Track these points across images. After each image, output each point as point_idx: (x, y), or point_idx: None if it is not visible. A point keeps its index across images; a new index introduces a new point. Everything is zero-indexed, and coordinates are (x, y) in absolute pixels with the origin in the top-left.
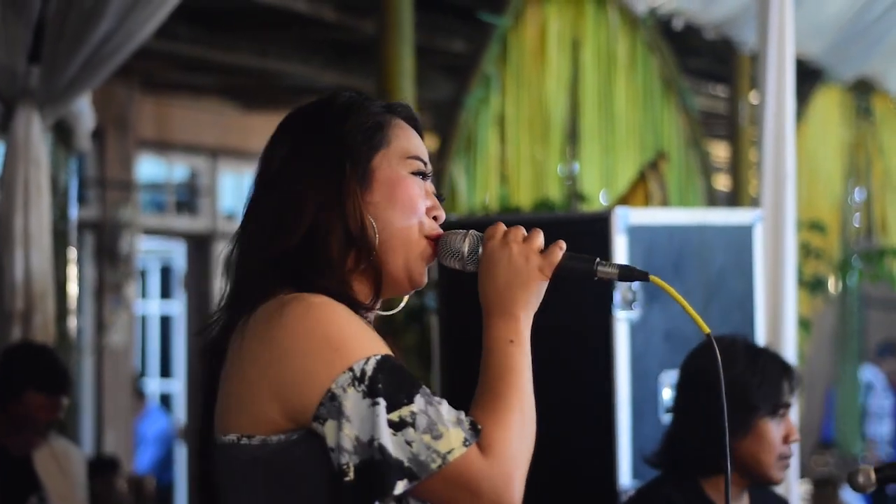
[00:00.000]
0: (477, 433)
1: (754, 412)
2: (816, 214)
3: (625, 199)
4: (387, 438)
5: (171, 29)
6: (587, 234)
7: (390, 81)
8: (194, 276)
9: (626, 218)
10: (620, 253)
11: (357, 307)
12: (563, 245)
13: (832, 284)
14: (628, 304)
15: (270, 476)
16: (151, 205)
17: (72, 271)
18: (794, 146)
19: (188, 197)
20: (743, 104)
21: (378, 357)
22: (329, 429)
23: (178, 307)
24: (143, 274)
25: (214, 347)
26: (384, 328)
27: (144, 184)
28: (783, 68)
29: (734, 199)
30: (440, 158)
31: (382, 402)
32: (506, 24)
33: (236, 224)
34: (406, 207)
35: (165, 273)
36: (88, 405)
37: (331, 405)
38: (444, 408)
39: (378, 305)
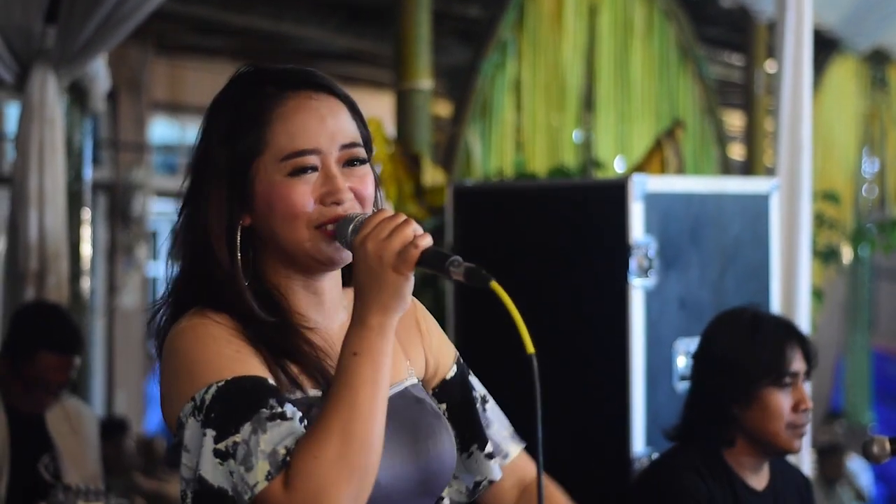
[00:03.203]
0: (283, 465)
1: (756, 382)
2: (830, 184)
3: (641, 167)
4: (206, 468)
5: None
6: (604, 200)
7: (406, 47)
8: None
9: (643, 185)
10: (637, 220)
11: (248, 314)
12: (423, 242)
13: (845, 255)
14: (644, 272)
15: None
16: (164, 167)
17: (85, 232)
18: (810, 116)
19: None
20: (759, 73)
21: (220, 384)
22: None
23: None
24: (154, 236)
25: (162, 337)
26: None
27: (157, 146)
28: (801, 38)
29: (748, 168)
30: (455, 124)
31: (210, 433)
32: None
33: None
34: (286, 215)
35: None
36: (99, 366)
37: (179, 432)
38: (270, 435)
39: (323, 270)
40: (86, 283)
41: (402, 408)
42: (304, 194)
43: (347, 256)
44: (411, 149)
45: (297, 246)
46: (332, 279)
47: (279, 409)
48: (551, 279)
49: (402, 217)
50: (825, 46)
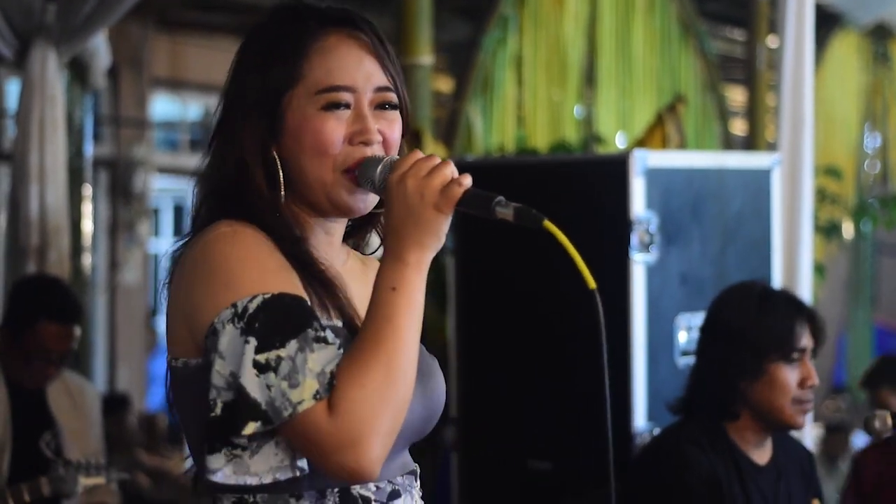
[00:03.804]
0: (330, 387)
1: (765, 356)
2: (832, 159)
3: (642, 142)
4: (247, 378)
5: None
6: (605, 175)
7: (407, 22)
8: None
9: (644, 160)
10: (638, 195)
11: (286, 235)
12: (466, 181)
13: (846, 230)
14: (645, 247)
15: (188, 399)
16: (165, 143)
17: (86, 208)
18: (812, 91)
19: (202, 136)
20: (760, 48)
21: (266, 296)
22: (211, 363)
23: None
24: (156, 212)
25: (171, 276)
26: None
27: (158, 122)
28: (803, 12)
29: (750, 143)
30: (457, 99)
31: (253, 342)
32: None
33: None
34: (314, 150)
35: (178, 212)
36: (101, 343)
37: (212, 339)
38: (319, 355)
39: (340, 217)
40: (87, 260)
41: None
42: (335, 130)
43: (364, 206)
44: (412, 124)
45: (319, 185)
46: (343, 224)
47: (322, 333)
48: (552, 255)
49: (439, 158)
50: (827, 21)
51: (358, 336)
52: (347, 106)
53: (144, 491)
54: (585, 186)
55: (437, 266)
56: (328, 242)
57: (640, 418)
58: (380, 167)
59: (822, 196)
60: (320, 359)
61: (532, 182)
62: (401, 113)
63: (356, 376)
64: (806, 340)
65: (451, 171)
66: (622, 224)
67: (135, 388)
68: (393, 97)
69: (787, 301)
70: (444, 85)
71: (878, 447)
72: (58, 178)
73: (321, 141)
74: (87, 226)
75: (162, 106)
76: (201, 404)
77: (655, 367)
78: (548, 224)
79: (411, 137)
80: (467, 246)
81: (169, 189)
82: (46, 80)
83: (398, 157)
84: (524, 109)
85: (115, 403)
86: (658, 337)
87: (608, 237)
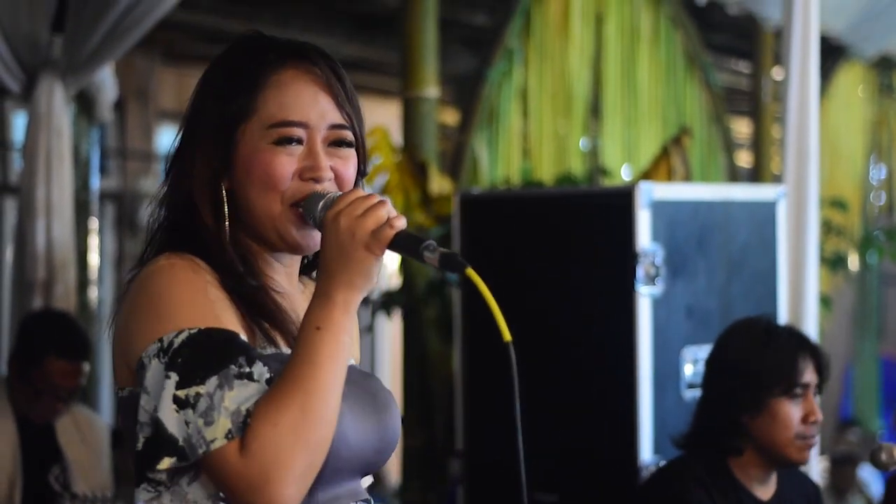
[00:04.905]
0: (244, 426)
1: (766, 391)
2: (838, 191)
3: (648, 175)
4: (166, 413)
5: (193, 0)
6: (611, 208)
7: (413, 54)
8: None
9: (650, 193)
10: (644, 227)
11: (229, 269)
12: (398, 223)
13: (852, 262)
14: (651, 280)
15: (129, 427)
16: None
17: (93, 241)
18: (817, 123)
19: None
20: (766, 80)
21: (193, 331)
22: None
23: None
24: None
25: (116, 306)
26: (404, 302)
27: (165, 155)
28: (807, 44)
29: (756, 175)
30: (462, 132)
31: (174, 377)
32: None
33: None
34: (263, 183)
35: None
36: (108, 375)
37: (140, 373)
38: (237, 393)
39: (290, 253)
40: (93, 293)
41: (362, 379)
42: (285, 164)
43: (314, 244)
44: (418, 157)
45: (268, 219)
46: (297, 257)
47: (247, 369)
48: (558, 287)
49: (377, 197)
50: (832, 53)
51: (280, 374)
52: (300, 141)
53: None
54: (591, 219)
55: (443, 299)
56: (285, 273)
57: (645, 451)
58: (321, 202)
59: (827, 228)
60: (238, 397)
61: (538, 214)
62: (357, 151)
63: (270, 415)
64: (809, 376)
65: (386, 211)
66: (628, 256)
67: None
68: (348, 135)
69: (791, 336)
70: (450, 117)
71: None
72: (64, 211)
73: (270, 175)
74: (94, 259)
75: (168, 138)
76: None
77: (661, 399)
78: (470, 272)
79: (416, 169)
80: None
81: None
82: (53, 113)
83: (340, 193)
84: (530, 142)
85: (122, 436)
86: (664, 369)
87: (614, 269)
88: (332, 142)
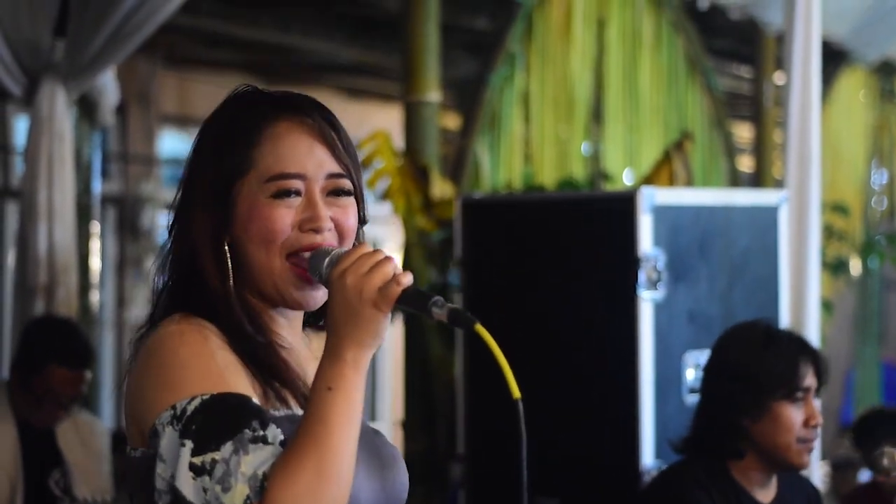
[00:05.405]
0: (262, 490)
1: (768, 395)
2: (839, 196)
3: (649, 179)
4: (183, 481)
5: (194, 4)
6: (613, 212)
7: (414, 59)
8: None
9: (651, 197)
10: (646, 232)
11: (236, 330)
12: (405, 280)
13: (854, 267)
14: (652, 285)
15: (139, 487)
16: (173, 180)
17: (94, 245)
18: (819, 128)
19: None
20: (767, 85)
21: (206, 397)
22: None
23: None
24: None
25: (129, 367)
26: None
27: (166, 158)
28: (809, 49)
29: (757, 180)
30: (464, 136)
31: (189, 445)
32: (531, 2)
33: None
34: (262, 238)
35: None
36: (109, 380)
37: (154, 440)
38: (253, 458)
39: (293, 310)
40: (95, 297)
41: (369, 436)
42: (283, 217)
43: (314, 303)
44: (420, 161)
45: (267, 276)
46: (300, 312)
47: (261, 433)
48: (560, 292)
49: (383, 254)
50: (834, 58)
51: (293, 436)
52: (298, 193)
53: None
54: (593, 223)
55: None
56: (289, 327)
57: (647, 456)
58: (327, 259)
59: (829, 233)
60: (254, 461)
61: (539, 219)
62: (356, 199)
63: (287, 479)
64: (810, 380)
65: (392, 268)
66: (630, 261)
67: None
68: (346, 183)
69: (791, 340)
70: (452, 122)
71: (868, 489)
72: (66, 215)
73: (269, 229)
74: (95, 263)
75: (170, 142)
76: (148, 493)
77: (663, 404)
78: (479, 328)
79: (418, 174)
80: (476, 285)
81: None
82: (55, 117)
83: (346, 249)
84: (531, 146)
85: (123, 440)
86: (666, 374)
87: (615, 274)
88: (331, 191)
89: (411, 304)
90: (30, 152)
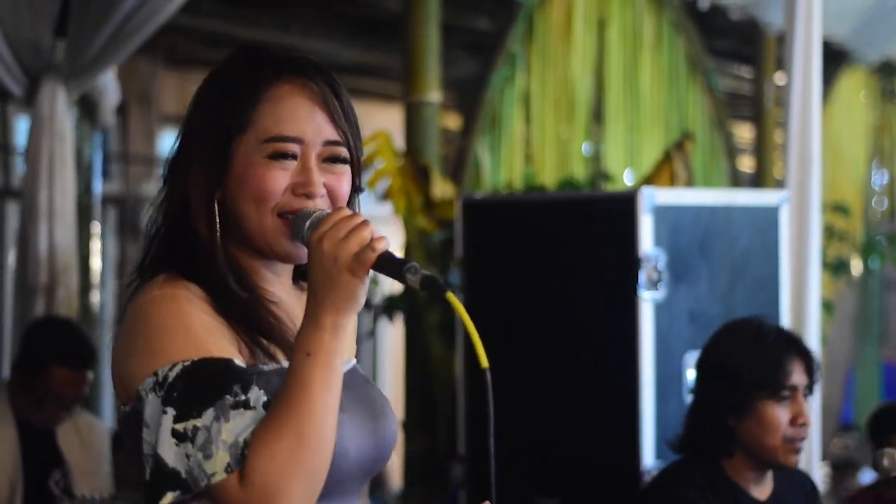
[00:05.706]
0: (242, 457)
1: (753, 394)
2: (840, 196)
3: (650, 180)
4: (165, 448)
5: (194, 4)
6: (613, 213)
7: (415, 59)
8: None
9: (652, 198)
10: (646, 232)
11: (220, 287)
12: (380, 245)
13: (855, 267)
14: (653, 285)
15: (132, 442)
16: None
17: (95, 246)
18: (819, 128)
19: None
20: (768, 85)
21: (187, 363)
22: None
23: None
24: None
25: (128, 299)
26: (406, 307)
27: (164, 159)
28: (810, 50)
29: (758, 180)
30: (464, 136)
31: (171, 412)
32: (532, 2)
33: None
34: (254, 196)
35: None
36: (109, 380)
37: (138, 405)
38: (233, 424)
39: (284, 263)
40: (95, 297)
41: (358, 384)
42: (278, 179)
43: (304, 255)
44: (420, 161)
45: (259, 232)
46: (289, 265)
47: (243, 397)
48: (561, 292)
49: (361, 218)
50: (834, 58)
51: (273, 402)
52: (294, 157)
53: None
54: (593, 224)
55: (445, 304)
56: (279, 282)
57: (648, 456)
58: (308, 222)
59: (829, 233)
60: (235, 428)
61: (540, 219)
62: (352, 167)
63: (267, 446)
64: (798, 378)
65: (369, 233)
66: (630, 261)
67: None
68: (342, 151)
69: (779, 337)
70: (452, 122)
71: (871, 490)
72: (67, 215)
73: (262, 189)
74: (96, 263)
75: (170, 142)
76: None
77: (664, 404)
78: (450, 296)
79: (419, 174)
80: (476, 283)
81: None
82: (56, 117)
83: (327, 212)
84: (532, 146)
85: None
86: (666, 374)
87: (616, 274)
88: (327, 158)
89: (386, 270)
90: (30, 152)
